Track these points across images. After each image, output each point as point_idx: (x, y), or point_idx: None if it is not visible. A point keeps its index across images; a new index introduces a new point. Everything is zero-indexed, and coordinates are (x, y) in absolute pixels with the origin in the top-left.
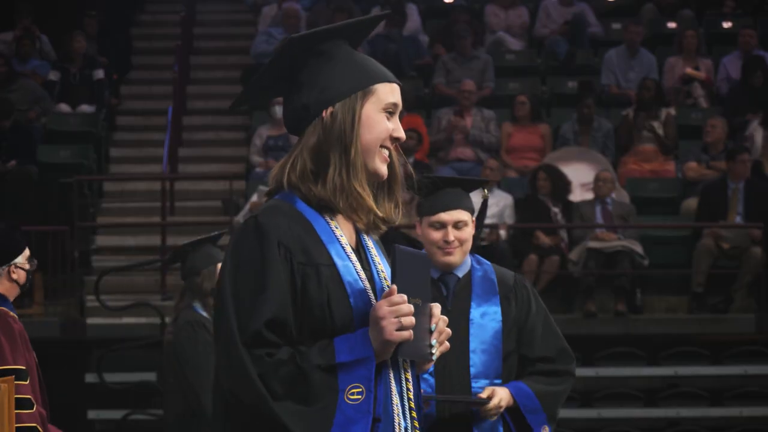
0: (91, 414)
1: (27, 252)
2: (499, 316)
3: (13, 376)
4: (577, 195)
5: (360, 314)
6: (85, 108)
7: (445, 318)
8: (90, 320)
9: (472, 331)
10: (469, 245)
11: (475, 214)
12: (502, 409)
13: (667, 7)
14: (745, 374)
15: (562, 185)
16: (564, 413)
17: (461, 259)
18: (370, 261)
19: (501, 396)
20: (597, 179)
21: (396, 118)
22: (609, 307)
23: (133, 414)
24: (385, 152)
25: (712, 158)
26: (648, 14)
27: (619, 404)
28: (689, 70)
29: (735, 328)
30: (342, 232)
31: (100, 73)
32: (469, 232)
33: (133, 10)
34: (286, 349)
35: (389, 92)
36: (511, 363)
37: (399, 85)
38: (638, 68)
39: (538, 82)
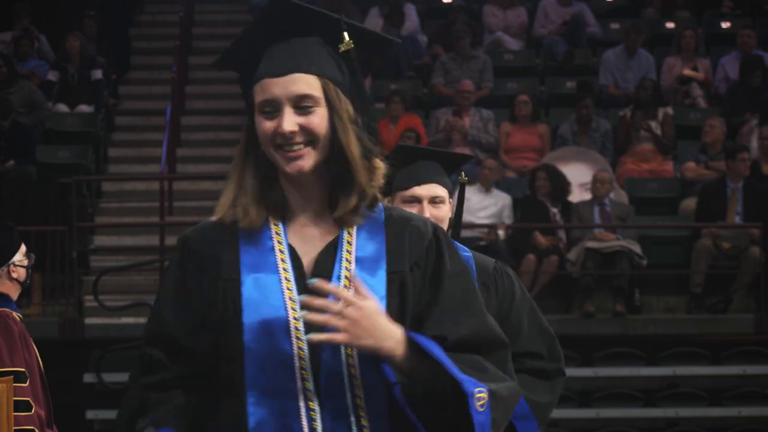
0: (90, 414)
1: (23, 248)
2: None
3: (12, 377)
4: (576, 195)
5: (256, 331)
6: (84, 108)
7: (353, 300)
8: (88, 320)
9: None
10: (446, 225)
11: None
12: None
13: (665, 7)
14: (743, 374)
15: (562, 186)
16: (563, 413)
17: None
18: (338, 262)
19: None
20: (595, 179)
21: (281, 112)
22: (607, 308)
23: None
24: (293, 148)
25: (710, 158)
26: (646, 14)
27: (617, 404)
28: (687, 71)
29: (734, 328)
30: (282, 238)
31: (98, 74)
32: (446, 210)
33: (132, 11)
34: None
35: (259, 92)
36: None
37: (282, 75)
38: (637, 68)
39: (536, 82)
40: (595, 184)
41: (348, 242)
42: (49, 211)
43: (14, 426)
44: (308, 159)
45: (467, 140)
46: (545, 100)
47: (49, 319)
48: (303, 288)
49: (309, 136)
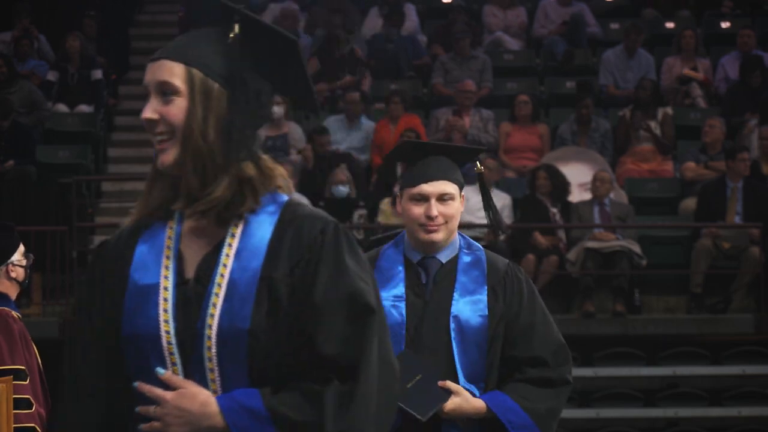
0: None
1: (21, 248)
2: (484, 310)
3: (11, 377)
4: (576, 195)
5: (131, 343)
6: (84, 108)
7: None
8: None
9: (453, 326)
10: (455, 223)
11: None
12: (457, 415)
13: (665, 7)
14: (743, 374)
15: (562, 186)
16: (563, 413)
17: (447, 239)
18: (217, 265)
19: (459, 403)
20: (595, 179)
21: (151, 98)
22: (607, 308)
23: None
24: (156, 138)
25: (710, 158)
26: (646, 14)
27: (617, 404)
28: (687, 71)
29: (734, 328)
30: (173, 240)
31: (98, 74)
32: (456, 207)
33: (132, 11)
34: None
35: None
36: (496, 365)
37: (154, 60)
38: (637, 68)
39: (536, 82)
40: (595, 184)
41: (229, 244)
42: (48, 211)
43: (15, 424)
44: (169, 152)
45: (467, 140)
46: (545, 100)
47: (49, 319)
48: (182, 295)
49: (167, 126)
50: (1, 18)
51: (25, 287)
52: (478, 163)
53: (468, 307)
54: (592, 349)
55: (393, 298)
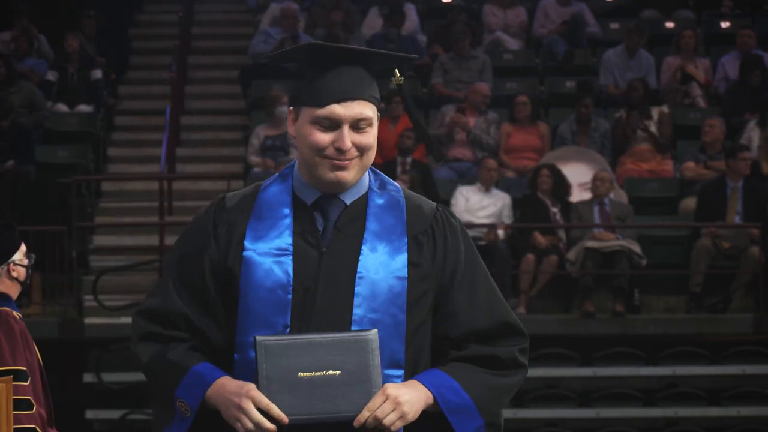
0: (89, 414)
1: (23, 248)
2: (402, 270)
3: (11, 377)
4: (575, 195)
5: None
6: (83, 108)
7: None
8: (88, 320)
9: (358, 290)
10: (372, 157)
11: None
12: (402, 419)
13: (665, 7)
14: (743, 374)
15: (563, 186)
16: (562, 413)
17: (358, 178)
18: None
19: (395, 396)
20: (595, 179)
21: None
22: (607, 307)
23: (131, 414)
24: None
25: (709, 158)
26: (646, 14)
27: (617, 404)
28: (689, 68)
29: (733, 328)
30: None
31: (98, 73)
32: (374, 136)
33: (132, 11)
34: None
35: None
36: (422, 344)
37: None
38: (637, 68)
39: (536, 82)
40: (595, 183)
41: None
42: (48, 211)
43: (16, 425)
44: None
45: (469, 138)
46: (545, 100)
47: (48, 319)
48: None
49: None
50: (0, 17)
51: (26, 287)
52: (397, 72)
53: (380, 264)
54: (592, 349)
55: (275, 251)
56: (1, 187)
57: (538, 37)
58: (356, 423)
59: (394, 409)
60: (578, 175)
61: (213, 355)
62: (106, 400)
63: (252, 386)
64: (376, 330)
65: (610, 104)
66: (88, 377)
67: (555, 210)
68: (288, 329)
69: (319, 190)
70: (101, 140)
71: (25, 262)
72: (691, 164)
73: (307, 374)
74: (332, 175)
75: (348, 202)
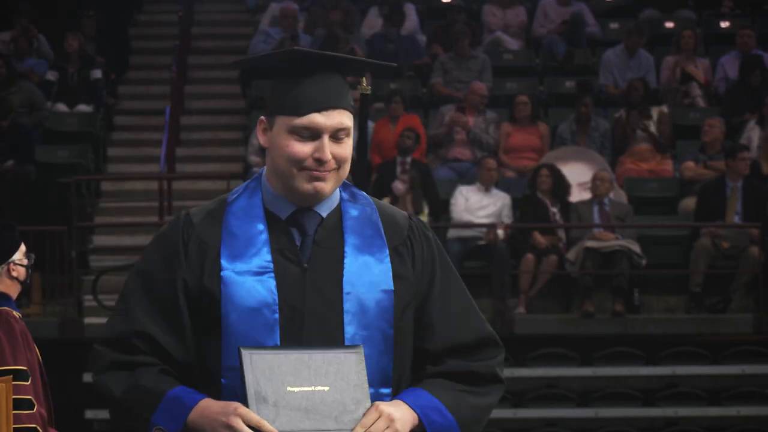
0: (89, 413)
1: (23, 247)
2: (389, 282)
3: (11, 376)
4: (575, 195)
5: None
6: (83, 108)
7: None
8: (88, 320)
9: (347, 307)
10: (347, 170)
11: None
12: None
13: (665, 7)
14: (742, 374)
15: (563, 186)
16: (562, 413)
17: (334, 190)
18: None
19: (389, 414)
20: (595, 179)
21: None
22: (607, 307)
23: None
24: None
25: (709, 158)
26: (646, 14)
27: (617, 404)
28: (689, 68)
29: (733, 327)
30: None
31: (97, 73)
32: (350, 147)
33: (131, 10)
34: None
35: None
36: (405, 359)
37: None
38: (637, 68)
39: (536, 82)
40: (595, 183)
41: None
42: (48, 210)
43: (17, 424)
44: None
45: (469, 138)
46: (545, 100)
47: (48, 319)
48: None
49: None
50: (0, 17)
51: (26, 287)
52: (363, 80)
53: (365, 278)
54: (592, 348)
55: (256, 269)
56: (1, 187)
57: (537, 37)
58: None
59: (387, 427)
60: (578, 175)
61: (181, 378)
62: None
63: (238, 404)
64: (362, 346)
65: (610, 104)
66: (88, 377)
67: (555, 210)
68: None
69: (293, 203)
70: (101, 140)
71: (25, 261)
72: (690, 164)
73: (296, 389)
74: (310, 187)
75: (324, 214)
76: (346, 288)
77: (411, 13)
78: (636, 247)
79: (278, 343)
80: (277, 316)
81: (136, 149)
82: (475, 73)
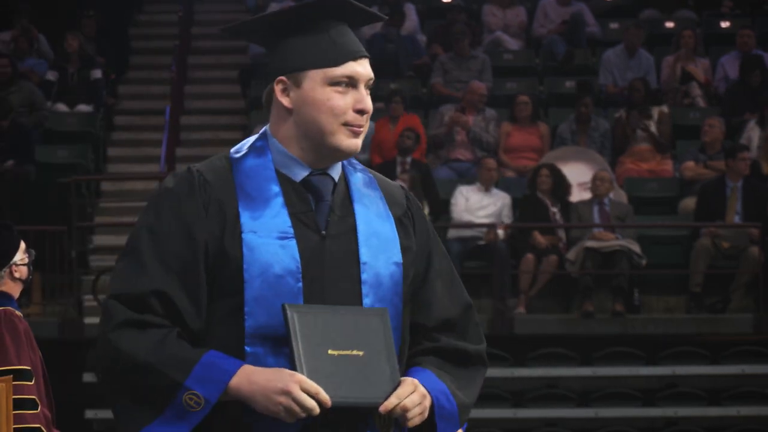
0: (89, 413)
1: (23, 246)
2: (398, 255)
3: (11, 376)
4: (575, 195)
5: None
6: (83, 108)
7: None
8: (88, 320)
9: (364, 278)
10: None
11: None
12: (422, 415)
13: (665, 7)
14: (742, 374)
15: (563, 186)
16: (562, 413)
17: None
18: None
19: (423, 390)
20: (595, 179)
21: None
22: (607, 307)
23: None
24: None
25: (709, 158)
26: (646, 14)
27: (616, 404)
28: (689, 67)
29: (733, 327)
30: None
31: (97, 73)
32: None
33: (132, 11)
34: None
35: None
36: (406, 334)
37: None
38: (637, 68)
39: (535, 82)
40: (595, 183)
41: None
42: (48, 210)
43: (21, 424)
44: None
45: (469, 137)
46: (545, 100)
47: (48, 318)
48: None
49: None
50: (0, 17)
51: (27, 286)
52: None
53: (378, 248)
54: (592, 348)
55: (278, 233)
56: (1, 187)
57: (537, 37)
58: (383, 409)
59: (420, 403)
60: (578, 174)
61: (192, 344)
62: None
63: (293, 371)
64: (387, 309)
65: (610, 104)
66: (88, 377)
67: (555, 210)
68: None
69: (309, 164)
70: (101, 140)
71: (26, 260)
72: (690, 164)
73: (336, 352)
74: (351, 143)
75: (336, 178)
76: (363, 258)
77: (411, 13)
78: (636, 247)
79: None
80: (300, 285)
81: (136, 149)
82: (475, 73)
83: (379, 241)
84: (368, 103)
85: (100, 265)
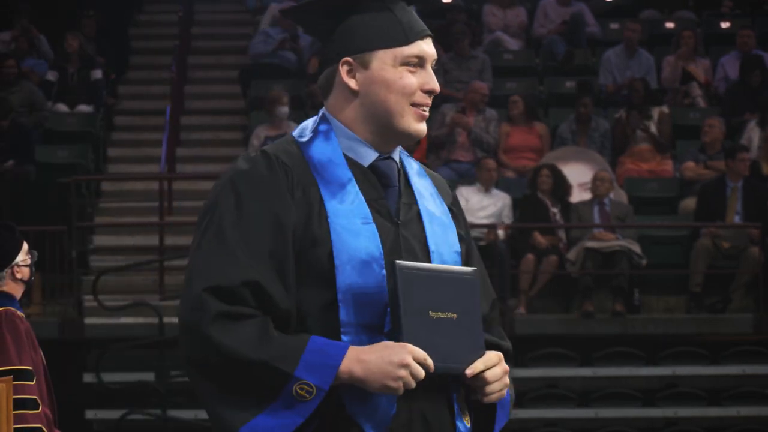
0: (89, 414)
1: (25, 247)
2: (457, 245)
3: (12, 376)
4: (575, 195)
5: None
6: (83, 108)
7: (505, 368)
8: (88, 320)
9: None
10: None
11: None
12: (500, 393)
13: (665, 7)
14: (742, 374)
15: (563, 186)
16: (562, 413)
17: None
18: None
19: (505, 366)
20: (595, 179)
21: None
22: (607, 307)
23: (131, 414)
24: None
25: (709, 158)
26: (646, 15)
27: (617, 404)
28: (689, 67)
29: (733, 327)
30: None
31: (97, 73)
32: None
33: (132, 11)
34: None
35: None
36: None
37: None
38: (637, 68)
39: (536, 82)
40: (595, 183)
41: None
42: (48, 211)
43: (23, 424)
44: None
45: (470, 138)
46: (544, 100)
47: (48, 319)
48: None
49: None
50: (0, 17)
51: (30, 285)
52: None
53: (441, 237)
54: (592, 348)
55: (361, 219)
56: (1, 187)
57: (537, 37)
58: (470, 373)
59: (500, 379)
60: (578, 175)
61: (283, 326)
62: (106, 401)
63: (402, 343)
64: (477, 269)
65: (610, 104)
66: (88, 377)
67: (555, 210)
68: (389, 311)
69: (377, 148)
70: (101, 140)
71: (28, 261)
72: (690, 164)
73: (435, 315)
74: (418, 127)
75: (398, 163)
76: (431, 246)
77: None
78: (636, 247)
79: (388, 302)
80: (384, 272)
81: (136, 149)
82: (475, 73)
83: (441, 230)
84: (436, 83)
85: (100, 265)
